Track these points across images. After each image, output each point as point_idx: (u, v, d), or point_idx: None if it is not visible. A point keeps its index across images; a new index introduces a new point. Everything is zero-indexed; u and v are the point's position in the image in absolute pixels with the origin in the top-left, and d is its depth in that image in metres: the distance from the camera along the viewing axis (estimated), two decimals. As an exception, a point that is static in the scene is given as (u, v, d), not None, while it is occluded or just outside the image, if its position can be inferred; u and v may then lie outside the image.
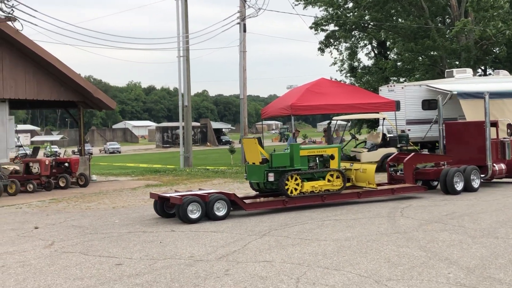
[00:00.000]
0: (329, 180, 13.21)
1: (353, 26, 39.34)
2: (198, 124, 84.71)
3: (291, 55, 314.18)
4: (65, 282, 7.36)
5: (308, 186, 12.91)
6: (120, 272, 7.77)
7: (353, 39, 41.72)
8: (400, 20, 38.36)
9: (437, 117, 17.84)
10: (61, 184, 19.54)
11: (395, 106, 22.32)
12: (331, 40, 40.83)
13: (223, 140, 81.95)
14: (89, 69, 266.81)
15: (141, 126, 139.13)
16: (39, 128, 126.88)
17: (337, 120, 26.40)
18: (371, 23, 39.08)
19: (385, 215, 11.81)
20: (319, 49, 41.32)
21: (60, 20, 54.85)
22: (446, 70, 28.98)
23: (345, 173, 13.78)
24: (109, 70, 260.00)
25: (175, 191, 13.39)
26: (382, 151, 21.16)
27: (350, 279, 7.14)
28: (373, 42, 43.26)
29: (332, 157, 13.36)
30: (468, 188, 15.04)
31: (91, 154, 34.73)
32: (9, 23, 18.83)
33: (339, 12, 38.49)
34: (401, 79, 38.62)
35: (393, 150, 21.13)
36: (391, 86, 26.57)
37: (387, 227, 10.53)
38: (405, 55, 36.71)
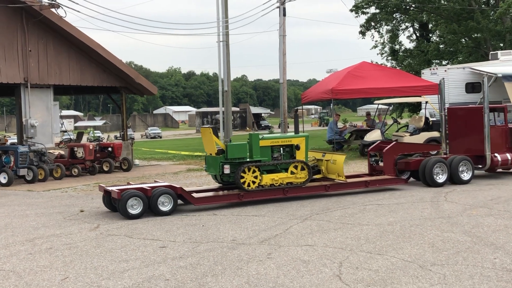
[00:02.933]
0: (292, 172, 12.21)
1: (395, 8, 38.76)
2: (237, 109, 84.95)
3: (331, 39, 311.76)
4: (110, 264, 7.52)
5: (267, 178, 11.94)
6: (164, 255, 7.89)
7: (394, 22, 41.14)
8: (442, 1, 37.58)
9: (481, 100, 17.39)
10: (105, 169, 19.87)
11: (438, 89, 21.96)
12: (372, 23, 40.33)
13: (262, 125, 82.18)
14: (130, 54, 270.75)
15: (181, 111, 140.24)
16: (82, 114, 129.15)
17: (378, 103, 26.13)
18: (413, 5, 38.40)
19: (429, 200, 11.67)
20: (360, 32, 40.90)
21: (102, 6, 55.42)
22: (491, 52, 28.33)
23: (316, 164, 13.10)
24: (150, 56, 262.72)
25: (128, 183, 12.46)
26: (425, 135, 20.86)
27: (394, 263, 7.09)
28: (414, 24, 42.53)
29: (297, 147, 12.42)
30: (455, 181, 13.66)
31: (133, 139, 35.22)
32: (53, 10, 19.13)
33: (380, -6, 37.98)
34: (444, 62, 37.93)
35: (436, 134, 20.82)
36: (433, 69, 26.15)
37: (431, 211, 10.41)
38: (448, 37, 36.02)
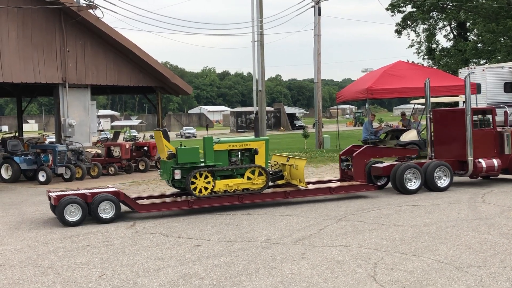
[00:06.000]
0: (249, 178, 11.50)
1: (431, 7, 38.30)
2: (271, 108, 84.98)
3: (366, 38, 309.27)
4: (146, 262, 7.61)
5: (221, 184, 11.29)
6: (199, 253, 7.95)
7: (431, 21, 40.67)
8: (480, 0, 37.02)
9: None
10: (141, 167, 20.07)
11: (476, 89, 21.64)
12: (408, 22, 39.96)
13: (297, 125, 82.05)
14: (165, 55, 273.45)
15: (216, 111, 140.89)
16: (118, 113, 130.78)
17: (414, 103, 25.82)
18: (450, 3, 37.88)
19: (466, 201, 11.51)
20: (396, 31, 40.58)
21: (139, 7, 56.17)
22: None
23: (280, 169, 12.41)
24: (185, 56, 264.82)
25: (77, 188, 12.02)
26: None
27: (430, 265, 7.02)
28: (452, 23, 41.94)
29: (255, 151, 11.72)
30: (431, 187, 12.84)
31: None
32: (90, 11, 19.41)
33: (416, -7, 37.60)
34: (482, 61, 37.33)
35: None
36: (471, 68, 25.76)
37: (468, 213, 10.27)
38: (486, 36, 35.44)
